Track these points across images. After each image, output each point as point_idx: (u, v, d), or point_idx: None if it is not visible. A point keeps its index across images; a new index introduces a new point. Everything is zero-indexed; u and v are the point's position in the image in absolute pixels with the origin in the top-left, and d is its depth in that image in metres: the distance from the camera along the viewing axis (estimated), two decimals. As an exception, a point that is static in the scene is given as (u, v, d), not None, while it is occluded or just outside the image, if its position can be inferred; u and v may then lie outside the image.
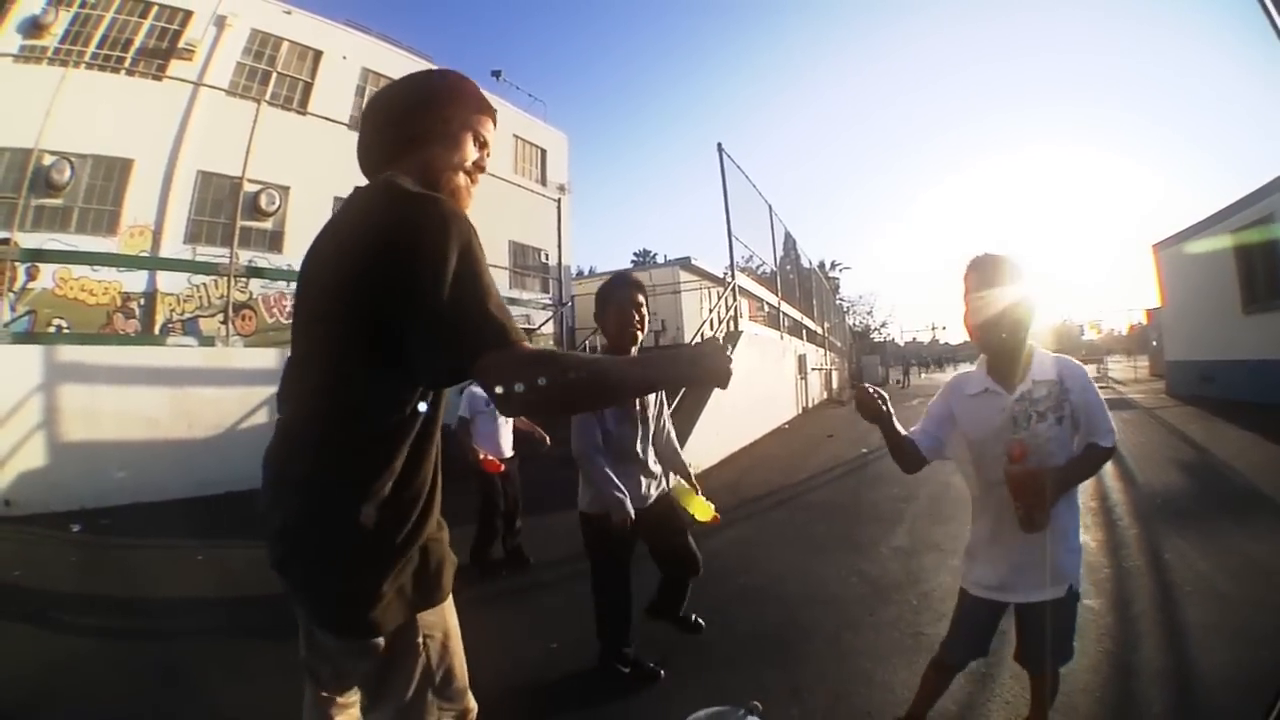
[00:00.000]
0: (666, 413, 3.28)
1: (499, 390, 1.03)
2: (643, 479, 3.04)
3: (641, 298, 3.01)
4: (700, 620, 3.47)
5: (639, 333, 2.99)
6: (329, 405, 1.17)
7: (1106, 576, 4.12)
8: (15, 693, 3.14)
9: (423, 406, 1.21)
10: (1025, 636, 2.08)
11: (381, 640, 1.21)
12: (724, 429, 9.28)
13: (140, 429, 7.38)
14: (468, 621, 1.42)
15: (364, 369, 1.14)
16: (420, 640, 1.26)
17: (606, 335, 3.09)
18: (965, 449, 2.09)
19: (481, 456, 4.75)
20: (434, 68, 1.57)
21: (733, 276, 11.67)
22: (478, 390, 4.46)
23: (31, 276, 10.63)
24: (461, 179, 1.40)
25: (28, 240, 10.22)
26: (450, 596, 1.33)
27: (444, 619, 1.32)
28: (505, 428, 4.99)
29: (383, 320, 1.08)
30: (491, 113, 1.51)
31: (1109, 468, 6.90)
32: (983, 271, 1.95)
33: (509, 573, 4.80)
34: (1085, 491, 5.69)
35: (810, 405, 16.24)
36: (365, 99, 15.29)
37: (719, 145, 11.51)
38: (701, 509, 3.01)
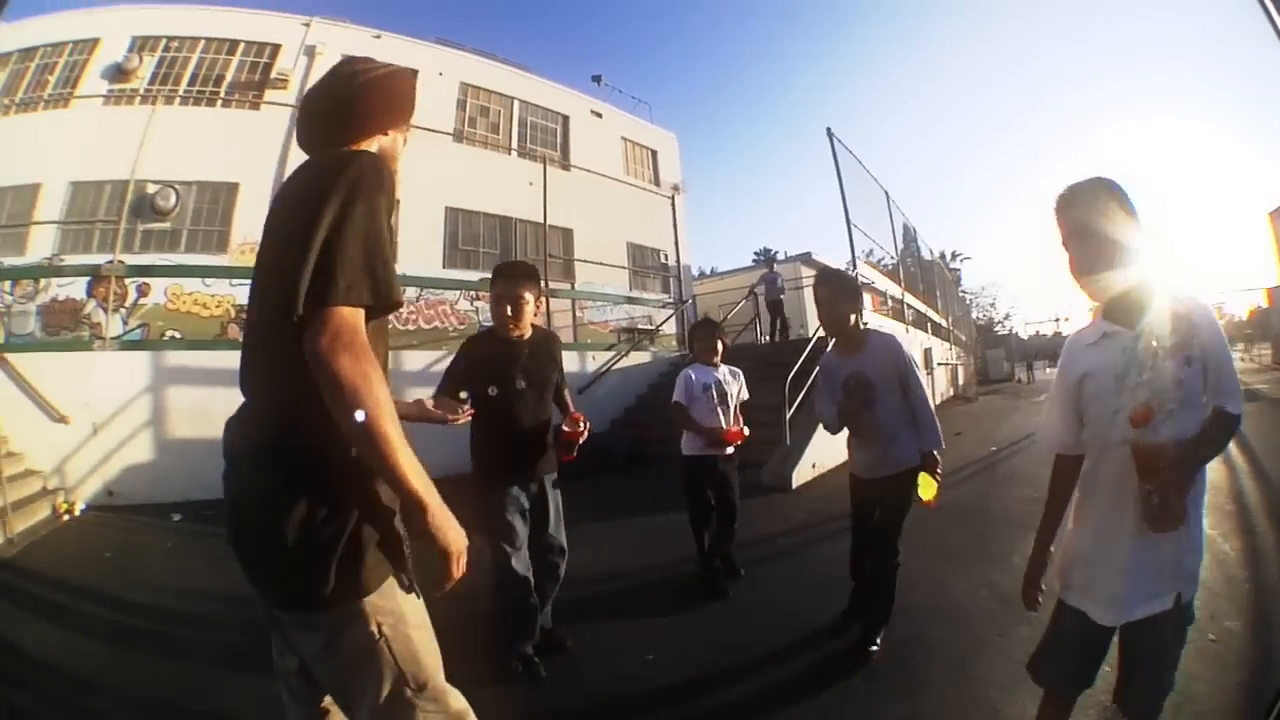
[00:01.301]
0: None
1: (322, 346, 1.07)
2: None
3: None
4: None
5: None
6: (263, 372, 1.20)
7: (1246, 593, 3.57)
8: (81, 664, 3.27)
9: None
10: (1133, 669, 1.70)
11: (323, 617, 1.18)
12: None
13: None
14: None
15: (285, 329, 1.11)
16: (374, 629, 1.20)
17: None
18: (1079, 412, 1.75)
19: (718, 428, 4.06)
20: (395, 66, 1.55)
21: (854, 267, 10.97)
22: (694, 374, 4.17)
23: (142, 293, 11.15)
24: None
25: (136, 261, 10.83)
26: (406, 582, 1.26)
27: (398, 605, 1.24)
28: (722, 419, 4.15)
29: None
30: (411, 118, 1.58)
31: (1239, 459, 6.48)
32: (1079, 204, 1.66)
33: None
34: (1214, 489, 5.16)
35: (936, 402, 15.19)
36: (466, 112, 15.54)
37: (828, 130, 10.91)
38: (926, 486, 3.03)
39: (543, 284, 3.75)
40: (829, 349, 3.47)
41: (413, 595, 1.27)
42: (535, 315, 3.13)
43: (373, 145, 1.41)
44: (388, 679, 1.21)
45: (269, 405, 1.20)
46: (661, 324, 15.19)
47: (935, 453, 3.06)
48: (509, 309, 3.00)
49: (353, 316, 1.11)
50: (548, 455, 3.10)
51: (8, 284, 10.64)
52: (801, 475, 6.93)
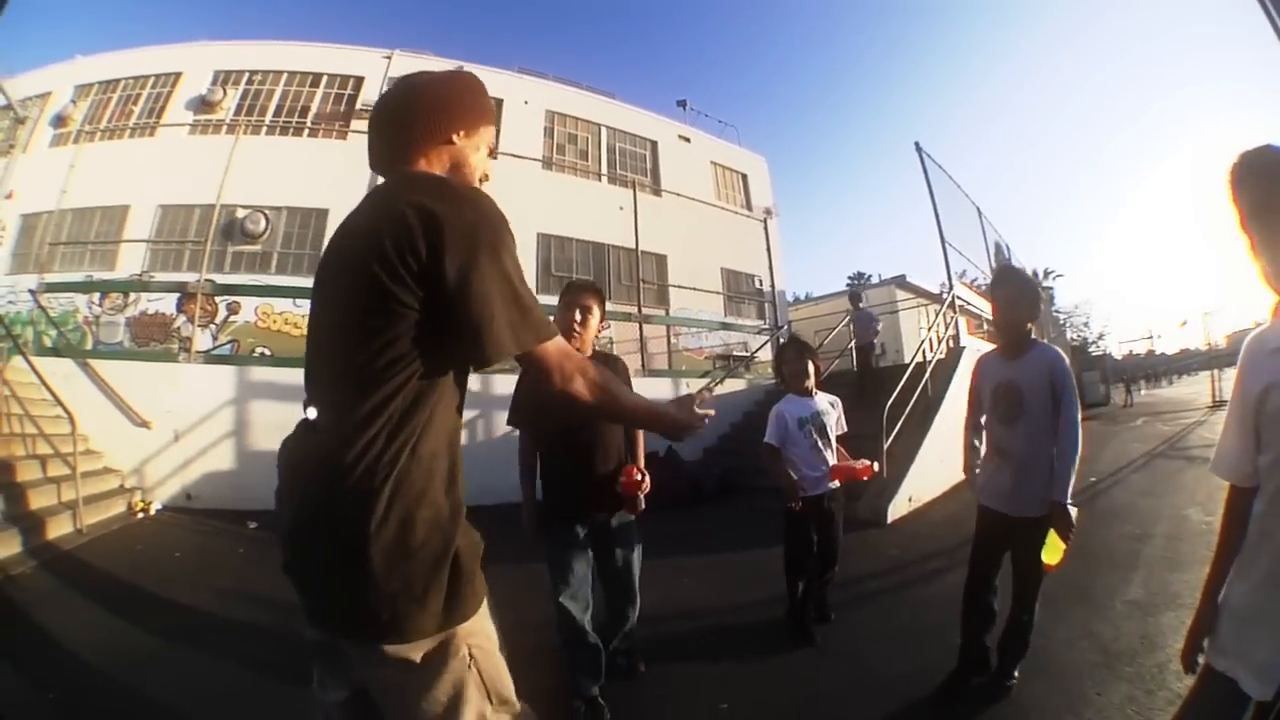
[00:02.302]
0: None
1: (554, 377, 1.22)
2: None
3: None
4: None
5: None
6: (362, 398, 1.12)
7: None
8: (122, 657, 3.29)
9: (453, 399, 1.24)
10: None
11: (416, 649, 1.12)
12: (946, 456, 7.88)
13: None
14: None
15: (399, 359, 1.13)
16: (466, 655, 1.17)
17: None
18: (1260, 433, 1.41)
19: (840, 471, 3.68)
20: (454, 70, 1.57)
21: (950, 286, 10.36)
22: (787, 410, 3.77)
23: (232, 311, 11.49)
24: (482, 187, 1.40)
25: (225, 280, 11.15)
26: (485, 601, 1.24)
27: (486, 625, 1.24)
28: (826, 454, 3.76)
29: (428, 309, 1.12)
30: (496, 123, 1.53)
31: None
32: (1261, 173, 1.33)
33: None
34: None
35: None
36: (554, 139, 15.68)
37: (916, 145, 10.41)
38: (1052, 548, 2.61)
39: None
40: (992, 350, 3.11)
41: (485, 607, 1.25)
42: (598, 334, 3.10)
43: (443, 156, 1.35)
44: (475, 702, 1.17)
45: (365, 430, 1.11)
46: (757, 350, 14.73)
47: (1067, 505, 2.60)
48: (577, 315, 2.91)
49: (556, 347, 1.23)
50: (616, 492, 2.92)
51: (97, 296, 11.09)
52: (897, 509, 6.42)
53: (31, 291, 9.47)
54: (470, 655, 1.17)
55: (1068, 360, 2.79)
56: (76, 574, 4.55)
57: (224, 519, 6.38)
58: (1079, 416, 2.71)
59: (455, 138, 1.36)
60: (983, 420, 3.03)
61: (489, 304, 1.13)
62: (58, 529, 5.29)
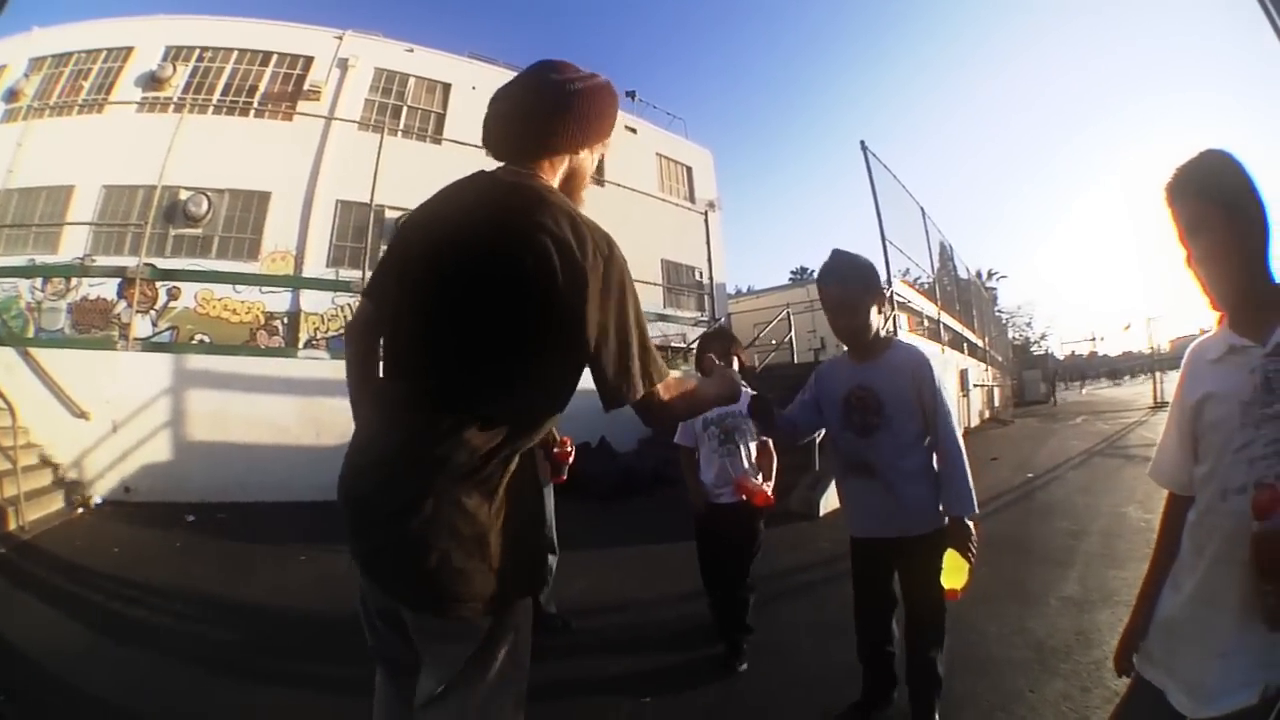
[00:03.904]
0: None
1: (656, 411, 1.36)
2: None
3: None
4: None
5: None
6: (492, 404, 1.23)
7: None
8: (61, 655, 3.32)
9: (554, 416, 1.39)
10: None
11: (486, 622, 1.23)
12: None
13: (269, 434, 7.54)
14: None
15: (524, 372, 1.25)
16: (514, 625, 1.28)
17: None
18: (1196, 442, 1.41)
19: (739, 486, 3.29)
20: (601, 78, 1.45)
21: (889, 283, 10.71)
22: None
23: (172, 296, 11.40)
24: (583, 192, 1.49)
25: (167, 265, 10.97)
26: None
27: (529, 607, 1.35)
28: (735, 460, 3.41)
29: (554, 328, 1.22)
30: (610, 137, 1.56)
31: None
32: (1196, 191, 1.33)
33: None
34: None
35: (971, 425, 14.92)
36: None
37: (862, 143, 10.70)
38: (953, 570, 2.20)
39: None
40: (837, 356, 2.79)
41: None
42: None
43: (562, 162, 1.41)
44: (502, 665, 1.27)
45: (494, 433, 1.23)
46: (694, 342, 14.86)
47: (968, 520, 2.25)
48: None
49: (663, 389, 1.35)
50: (544, 464, 3.36)
51: (39, 281, 10.97)
52: (830, 502, 6.49)
53: None
54: (516, 627, 1.29)
55: (935, 362, 2.48)
56: (17, 574, 4.59)
57: (162, 512, 6.48)
58: (955, 425, 2.41)
59: (585, 151, 1.43)
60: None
61: (627, 347, 1.27)
62: (4, 525, 5.35)
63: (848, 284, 2.46)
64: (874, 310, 2.46)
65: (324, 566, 4.89)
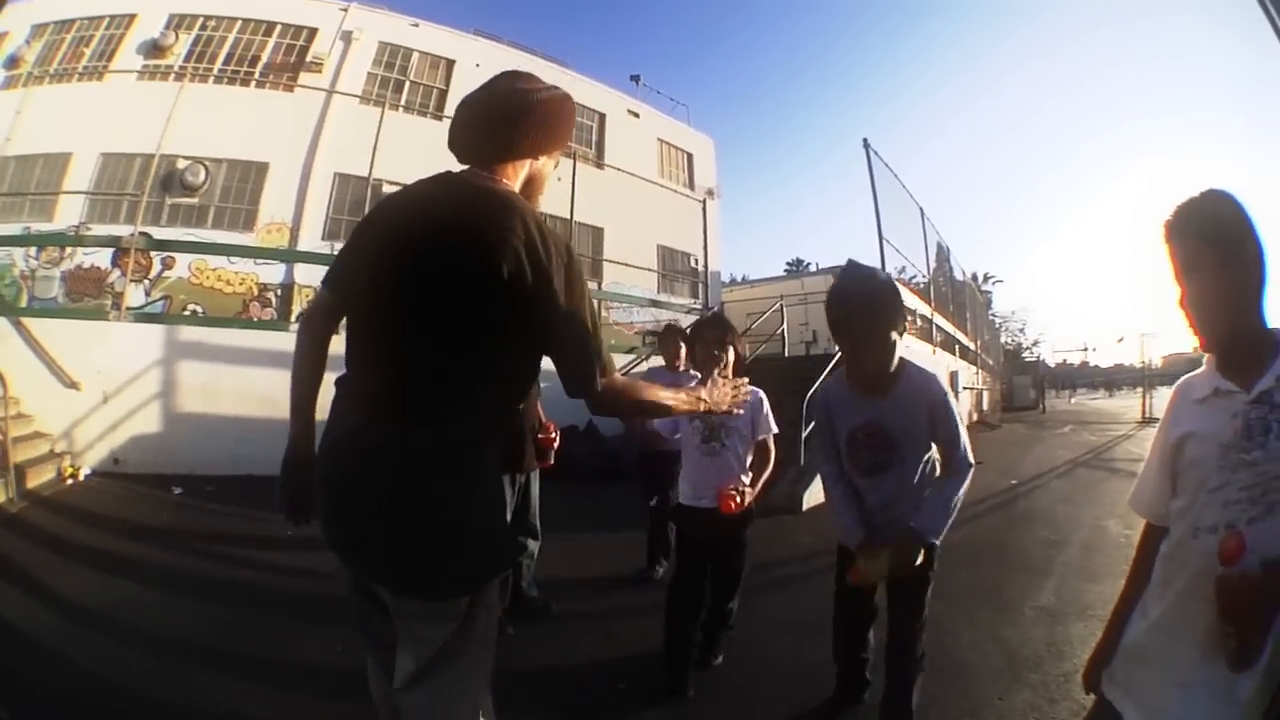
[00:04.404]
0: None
1: (608, 412, 1.52)
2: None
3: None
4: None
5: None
6: (455, 396, 1.29)
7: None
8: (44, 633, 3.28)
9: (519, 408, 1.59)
10: None
11: (461, 603, 1.30)
12: None
13: (259, 408, 7.39)
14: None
15: (489, 367, 1.33)
16: (486, 604, 1.35)
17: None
18: (1175, 477, 1.43)
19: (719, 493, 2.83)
20: (561, 91, 1.56)
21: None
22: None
23: (167, 266, 11.38)
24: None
25: (162, 234, 10.93)
26: None
27: (495, 587, 1.41)
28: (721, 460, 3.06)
29: (520, 326, 1.32)
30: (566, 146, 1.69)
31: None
32: (1194, 228, 1.34)
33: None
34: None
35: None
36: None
37: (864, 141, 10.75)
38: (876, 565, 2.21)
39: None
40: (837, 376, 2.50)
41: None
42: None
43: (524, 167, 1.50)
44: (480, 640, 1.35)
45: (462, 424, 1.31)
46: (688, 329, 14.93)
47: (923, 542, 2.18)
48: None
49: (611, 384, 1.43)
50: (530, 449, 3.43)
51: (34, 249, 10.93)
52: (813, 497, 6.59)
53: None
54: (488, 604, 1.37)
55: (945, 384, 2.33)
56: (6, 546, 4.58)
57: (150, 484, 6.50)
58: (966, 445, 2.26)
59: (544, 157, 1.53)
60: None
61: (586, 343, 1.37)
62: None
63: (877, 315, 2.15)
64: (899, 340, 2.19)
65: (312, 541, 4.87)
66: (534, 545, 3.69)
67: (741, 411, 2.17)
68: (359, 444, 1.32)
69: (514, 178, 1.47)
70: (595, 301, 1.51)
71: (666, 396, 1.60)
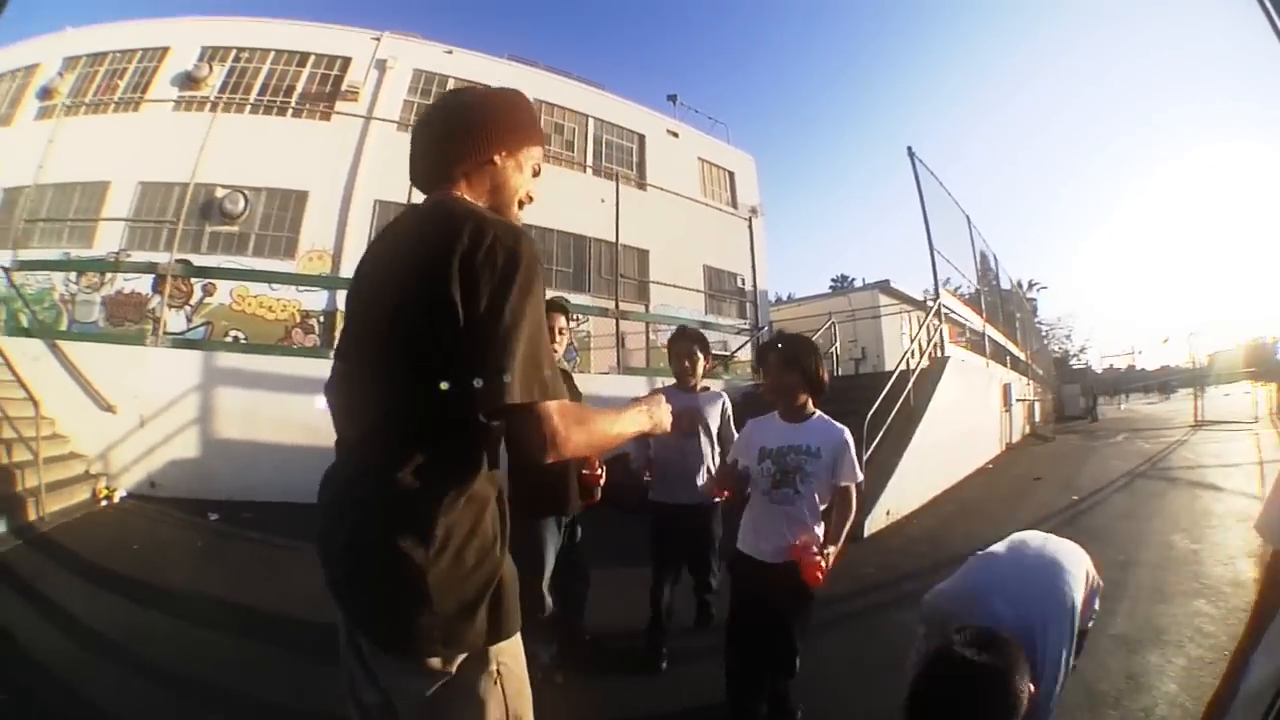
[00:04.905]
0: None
1: (546, 436, 1.13)
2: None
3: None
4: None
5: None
6: (408, 422, 1.18)
7: None
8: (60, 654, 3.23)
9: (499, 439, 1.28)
10: None
11: (452, 662, 1.18)
12: (926, 469, 7.89)
13: (300, 435, 7.19)
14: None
15: (452, 405, 1.15)
16: (494, 671, 1.22)
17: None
18: None
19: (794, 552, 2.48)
20: (502, 87, 1.50)
21: (936, 293, 10.28)
22: (757, 432, 2.90)
23: (207, 293, 11.43)
24: (519, 210, 1.45)
25: (202, 261, 11.02)
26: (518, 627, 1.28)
27: (515, 649, 1.28)
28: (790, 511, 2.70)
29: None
30: (544, 142, 1.52)
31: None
32: None
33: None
34: None
35: (1013, 441, 14.41)
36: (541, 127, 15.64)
37: (909, 149, 10.33)
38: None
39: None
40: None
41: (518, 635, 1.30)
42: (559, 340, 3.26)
43: (483, 177, 1.37)
44: (494, 716, 1.21)
45: (423, 476, 1.17)
46: (736, 350, 14.59)
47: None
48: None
49: (554, 407, 1.16)
50: (578, 491, 3.17)
51: (73, 274, 11.12)
52: (875, 523, 6.31)
53: (3, 269, 9.31)
54: (498, 673, 1.22)
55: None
56: (32, 566, 4.53)
57: (186, 508, 6.36)
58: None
59: (497, 158, 1.37)
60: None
61: (509, 343, 1.13)
62: (20, 517, 5.27)
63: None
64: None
65: None
66: (583, 588, 3.45)
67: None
68: (328, 490, 1.30)
69: (471, 191, 1.36)
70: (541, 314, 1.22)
71: (612, 423, 1.33)
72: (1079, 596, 1.99)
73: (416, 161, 1.39)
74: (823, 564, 2.35)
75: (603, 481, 3.21)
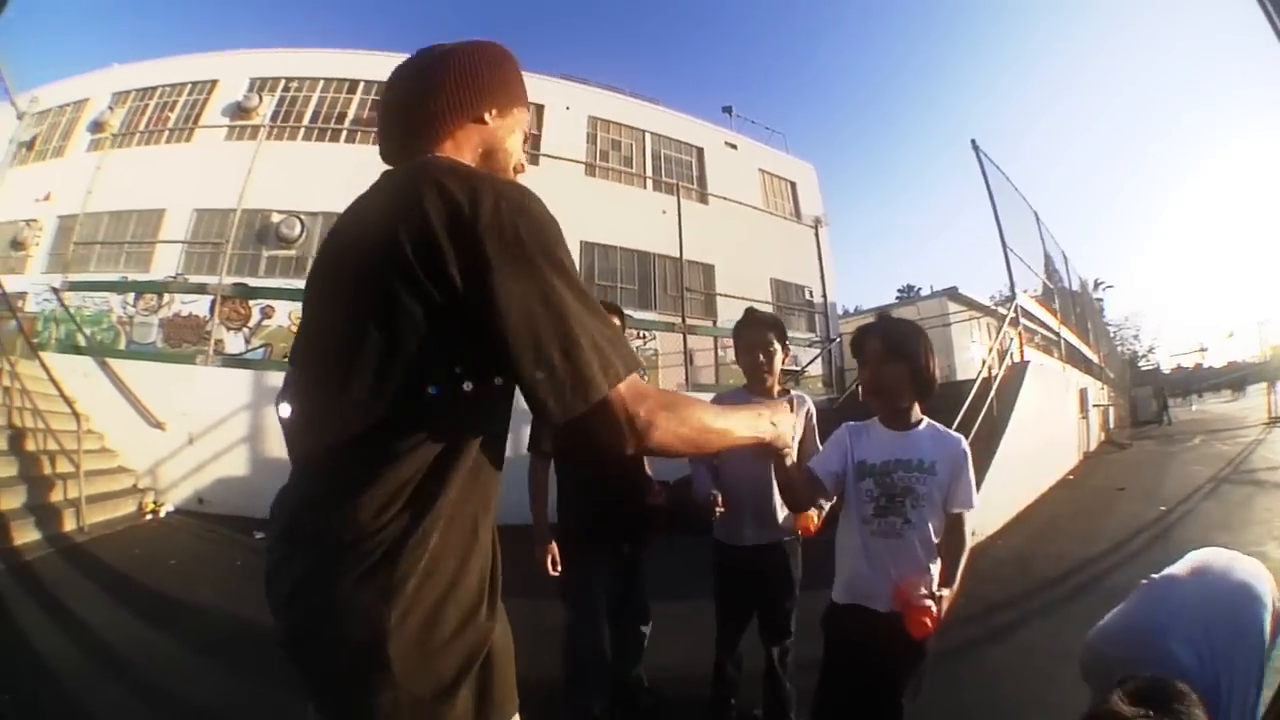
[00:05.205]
0: None
1: (623, 422, 0.89)
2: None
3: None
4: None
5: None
6: (373, 460, 0.88)
7: None
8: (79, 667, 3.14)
9: (492, 457, 1.00)
10: None
11: None
12: (1010, 484, 7.31)
13: None
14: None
15: (422, 408, 0.89)
16: None
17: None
18: None
19: (900, 597, 1.95)
20: (484, 40, 1.18)
21: (1013, 294, 9.71)
22: (853, 439, 2.24)
23: (266, 315, 11.65)
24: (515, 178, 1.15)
25: (259, 284, 11.38)
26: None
27: None
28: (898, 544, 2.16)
29: (462, 336, 0.88)
30: (529, 108, 1.25)
31: None
32: None
33: None
34: None
35: (1090, 449, 13.58)
36: (597, 145, 15.46)
37: (973, 143, 9.83)
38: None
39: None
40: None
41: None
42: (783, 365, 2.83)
43: (473, 138, 1.11)
44: None
45: (381, 506, 0.89)
46: (808, 364, 14.04)
47: None
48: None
49: (635, 391, 0.91)
50: (641, 517, 2.71)
51: (131, 296, 11.49)
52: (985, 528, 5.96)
53: (54, 290, 9.63)
54: None
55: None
56: (65, 574, 4.54)
57: (231, 525, 6.32)
58: None
59: (488, 116, 1.13)
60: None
61: (563, 326, 0.87)
62: (60, 526, 5.34)
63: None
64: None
65: None
66: (645, 628, 2.90)
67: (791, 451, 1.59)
68: (282, 510, 0.99)
69: (464, 154, 1.10)
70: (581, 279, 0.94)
71: (718, 416, 1.06)
72: (1268, 629, 1.55)
73: (389, 130, 1.15)
74: (934, 610, 1.85)
75: (664, 505, 2.69)
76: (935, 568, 2.00)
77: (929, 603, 1.85)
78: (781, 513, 2.61)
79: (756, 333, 2.69)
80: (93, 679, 3.04)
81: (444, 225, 0.86)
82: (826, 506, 2.16)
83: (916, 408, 2.09)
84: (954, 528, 2.06)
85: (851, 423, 2.15)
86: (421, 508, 0.90)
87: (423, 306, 0.86)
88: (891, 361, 2.04)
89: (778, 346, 2.66)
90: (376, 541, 0.87)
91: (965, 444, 2.05)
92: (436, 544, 0.90)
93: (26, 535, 4.97)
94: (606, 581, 2.63)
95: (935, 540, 2.02)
